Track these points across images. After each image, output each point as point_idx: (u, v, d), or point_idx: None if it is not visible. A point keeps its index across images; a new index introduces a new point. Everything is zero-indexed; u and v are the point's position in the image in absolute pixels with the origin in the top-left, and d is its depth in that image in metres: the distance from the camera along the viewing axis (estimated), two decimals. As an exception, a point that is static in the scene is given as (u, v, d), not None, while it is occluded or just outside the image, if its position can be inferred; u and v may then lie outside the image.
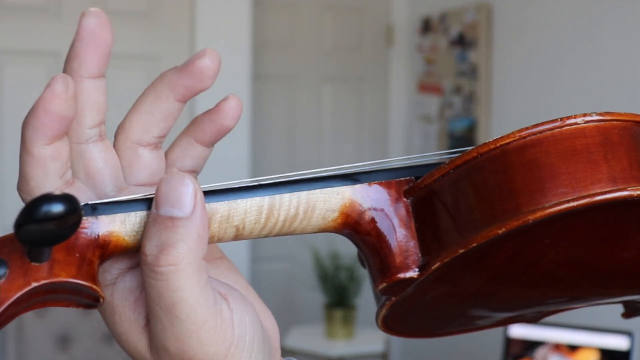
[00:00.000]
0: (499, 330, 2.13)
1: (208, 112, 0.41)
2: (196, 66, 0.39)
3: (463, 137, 2.99)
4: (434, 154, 0.41)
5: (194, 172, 0.44)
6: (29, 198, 0.37)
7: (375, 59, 3.43)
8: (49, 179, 0.36)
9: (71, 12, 2.87)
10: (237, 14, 2.99)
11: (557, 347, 2.04)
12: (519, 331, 2.09)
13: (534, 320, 0.49)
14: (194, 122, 0.41)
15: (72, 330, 2.47)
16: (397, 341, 3.24)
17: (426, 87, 3.23)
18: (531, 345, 2.08)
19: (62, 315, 2.47)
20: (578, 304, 0.48)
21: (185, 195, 0.35)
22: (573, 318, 2.05)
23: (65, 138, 0.37)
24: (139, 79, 2.97)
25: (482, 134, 2.90)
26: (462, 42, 2.98)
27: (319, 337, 2.89)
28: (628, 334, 1.98)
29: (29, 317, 2.51)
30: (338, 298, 2.89)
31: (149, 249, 0.35)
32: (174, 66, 0.40)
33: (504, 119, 2.83)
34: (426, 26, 3.21)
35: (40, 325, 2.50)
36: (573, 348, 2.03)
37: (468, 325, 0.48)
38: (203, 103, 2.97)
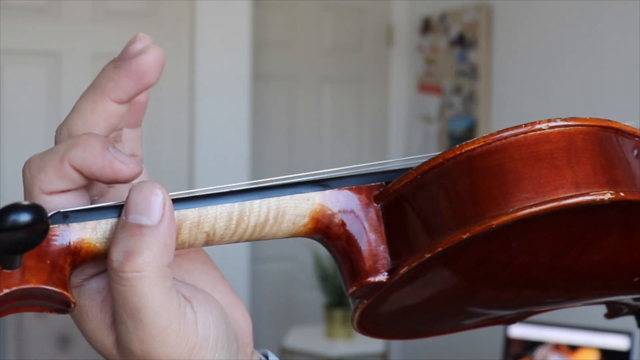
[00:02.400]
0: (499, 330, 2.13)
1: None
2: (135, 65, 0.37)
3: (463, 137, 2.99)
4: (410, 158, 0.42)
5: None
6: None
7: (375, 59, 3.43)
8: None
9: (71, 12, 2.87)
10: (237, 14, 2.99)
11: (557, 347, 2.04)
12: (519, 331, 2.09)
13: (515, 320, 0.49)
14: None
15: (72, 330, 2.47)
16: (397, 341, 3.24)
17: (426, 87, 3.23)
18: (531, 345, 2.08)
19: (62, 316, 2.47)
20: (557, 306, 0.49)
21: (154, 204, 0.36)
22: (573, 318, 2.05)
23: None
24: (139, 79, 2.97)
25: (482, 134, 2.89)
26: (462, 42, 2.98)
27: (319, 337, 2.89)
28: (628, 334, 1.98)
29: (29, 317, 2.51)
30: (338, 298, 2.89)
31: (115, 254, 0.36)
32: (112, 60, 0.38)
33: (504, 119, 2.83)
34: (426, 26, 3.21)
35: (40, 325, 2.50)
36: (573, 348, 2.03)
37: (446, 327, 0.49)
38: (203, 106, 2.97)
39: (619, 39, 2.33)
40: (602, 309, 0.53)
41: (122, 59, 0.38)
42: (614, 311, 0.52)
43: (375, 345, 2.88)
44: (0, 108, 2.78)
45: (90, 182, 0.37)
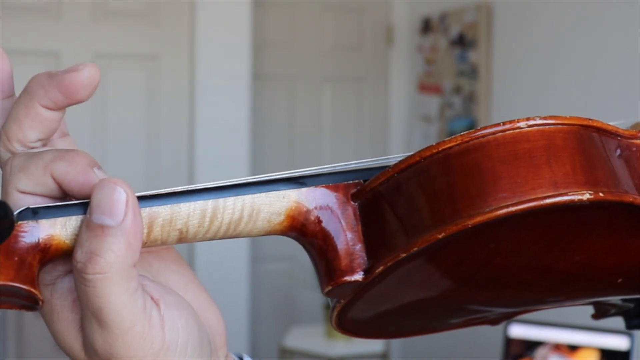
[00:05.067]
0: (499, 330, 2.13)
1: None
2: (68, 79, 0.37)
3: (463, 137, 2.99)
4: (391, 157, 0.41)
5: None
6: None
7: (375, 59, 3.42)
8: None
9: (71, 12, 2.87)
10: (237, 14, 2.99)
11: (557, 347, 2.04)
12: (519, 331, 2.09)
13: (500, 321, 0.49)
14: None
15: (72, 330, 2.47)
16: (397, 341, 3.24)
17: (426, 87, 3.23)
18: (531, 345, 2.08)
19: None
20: (541, 307, 0.48)
21: (117, 203, 0.35)
22: (573, 318, 2.05)
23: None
24: (139, 79, 2.97)
25: (482, 134, 2.90)
26: (462, 42, 2.98)
27: (319, 337, 2.89)
28: (628, 334, 1.98)
29: (29, 317, 2.51)
30: (338, 298, 2.89)
31: (79, 255, 0.35)
32: (47, 72, 0.38)
33: (504, 119, 2.81)
34: (426, 26, 3.21)
35: (40, 325, 2.50)
36: (573, 348, 2.03)
37: (427, 326, 0.48)
38: (203, 106, 2.97)
39: (619, 39, 2.33)
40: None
41: (59, 71, 0.38)
42: (601, 312, 0.51)
43: (375, 345, 2.88)
44: (0, 108, 2.78)
45: (66, 195, 0.37)
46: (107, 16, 2.91)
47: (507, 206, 0.35)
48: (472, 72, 2.93)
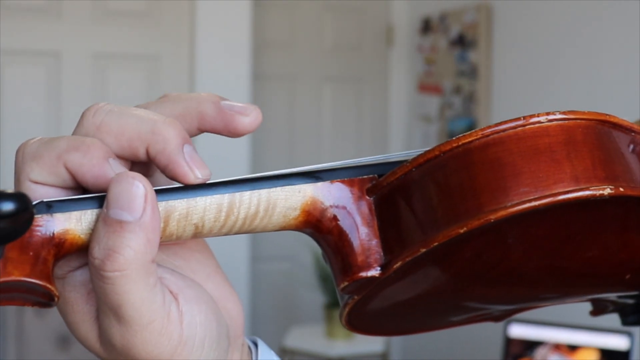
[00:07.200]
0: (499, 330, 2.13)
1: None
2: (235, 121, 0.39)
3: (463, 137, 2.99)
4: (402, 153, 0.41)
5: None
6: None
7: (375, 59, 3.42)
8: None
9: (71, 12, 2.87)
10: (237, 14, 2.99)
11: (557, 347, 2.04)
12: (519, 331, 2.09)
13: (503, 317, 0.49)
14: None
15: (72, 330, 2.47)
16: (397, 341, 3.24)
17: (426, 87, 3.23)
18: (531, 345, 2.08)
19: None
20: (547, 303, 0.48)
21: (136, 198, 0.34)
22: (573, 318, 2.05)
23: None
24: (139, 79, 2.97)
25: (482, 134, 2.90)
26: (462, 42, 2.98)
27: (319, 337, 2.89)
28: (628, 334, 1.98)
29: (29, 317, 2.51)
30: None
31: (97, 252, 0.34)
32: (215, 98, 0.39)
33: (504, 119, 2.82)
34: (426, 26, 3.21)
35: (40, 325, 2.50)
36: (573, 348, 2.03)
37: (433, 323, 0.48)
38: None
39: (618, 39, 2.33)
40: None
41: (226, 103, 0.40)
42: (599, 308, 0.51)
43: (375, 345, 2.88)
44: (0, 108, 2.78)
45: (80, 186, 0.36)
46: (107, 16, 2.91)
47: (530, 201, 0.35)
48: (472, 72, 2.93)
